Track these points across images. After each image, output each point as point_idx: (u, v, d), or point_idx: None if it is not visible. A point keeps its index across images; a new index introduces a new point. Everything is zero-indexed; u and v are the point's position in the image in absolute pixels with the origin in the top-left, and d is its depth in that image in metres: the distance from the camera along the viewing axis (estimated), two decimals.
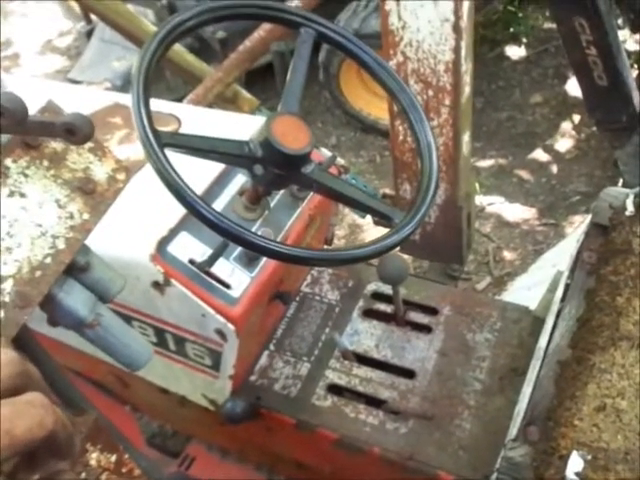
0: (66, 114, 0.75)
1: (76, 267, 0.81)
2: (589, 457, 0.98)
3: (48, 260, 0.74)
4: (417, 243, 2.37)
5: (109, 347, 0.83)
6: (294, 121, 1.13)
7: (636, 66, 3.70)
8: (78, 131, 0.73)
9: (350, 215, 3.46)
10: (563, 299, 1.27)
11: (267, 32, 2.13)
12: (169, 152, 1.01)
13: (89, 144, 0.82)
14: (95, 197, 0.81)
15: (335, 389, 1.50)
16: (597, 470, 0.96)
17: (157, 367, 1.49)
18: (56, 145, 0.80)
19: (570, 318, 1.23)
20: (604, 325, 1.16)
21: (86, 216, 0.79)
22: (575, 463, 0.97)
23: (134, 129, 1.00)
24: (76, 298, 0.80)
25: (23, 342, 0.82)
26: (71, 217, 0.78)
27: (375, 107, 3.85)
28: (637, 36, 3.82)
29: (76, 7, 4.35)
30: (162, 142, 1.00)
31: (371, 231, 3.34)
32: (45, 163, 0.79)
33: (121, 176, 0.85)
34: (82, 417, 0.70)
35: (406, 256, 2.60)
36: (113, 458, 0.72)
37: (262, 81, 3.84)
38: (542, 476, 1.00)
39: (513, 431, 1.11)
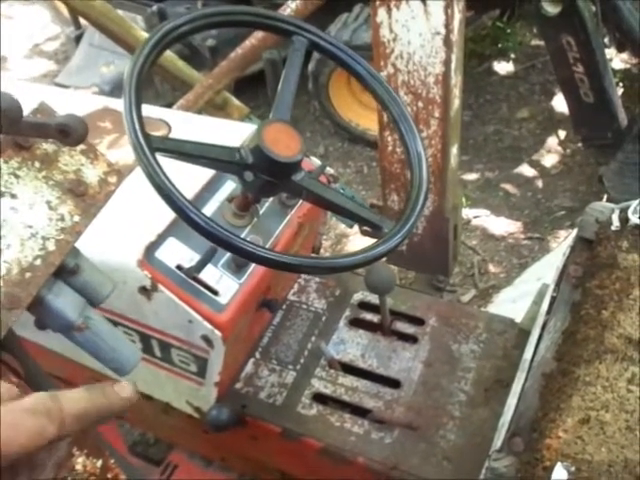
0: (60, 115, 0.75)
1: (66, 270, 0.81)
2: (573, 469, 0.98)
3: (38, 262, 0.74)
4: (403, 253, 2.38)
5: (97, 351, 0.83)
6: (285, 129, 1.13)
7: (622, 84, 3.76)
8: (72, 132, 0.73)
9: (337, 225, 3.46)
10: (549, 312, 1.28)
11: (259, 40, 2.13)
12: (159, 158, 1.01)
13: (81, 146, 0.81)
14: (86, 199, 0.81)
15: (320, 398, 1.50)
16: None
17: (142, 373, 1.47)
18: (48, 146, 0.80)
19: (555, 331, 1.24)
20: (589, 338, 1.17)
21: (77, 218, 0.79)
22: (559, 474, 0.97)
23: (124, 133, 1.00)
24: (65, 301, 0.79)
25: (8, 345, 0.81)
26: (62, 219, 0.77)
27: (364, 118, 3.87)
28: (623, 55, 3.87)
29: (64, 11, 4.33)
30: (153, 146, 1.00)
31: (357, 241, 3.34)
32: (37, 164, 0.78)
33: (112, 179, 0.85)
34: None
35: (392, 266, 2.60)
36: (99, 463, 0.71)
37: (251, 89, 3.84)
38: None
39: (498, 442, 1.11)
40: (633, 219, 1.27)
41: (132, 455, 1.96)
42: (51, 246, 0.75)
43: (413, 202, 1.18)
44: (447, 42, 1.75)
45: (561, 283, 1.31)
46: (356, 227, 2.84)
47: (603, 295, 1.22)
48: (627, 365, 1.10)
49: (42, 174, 0.78)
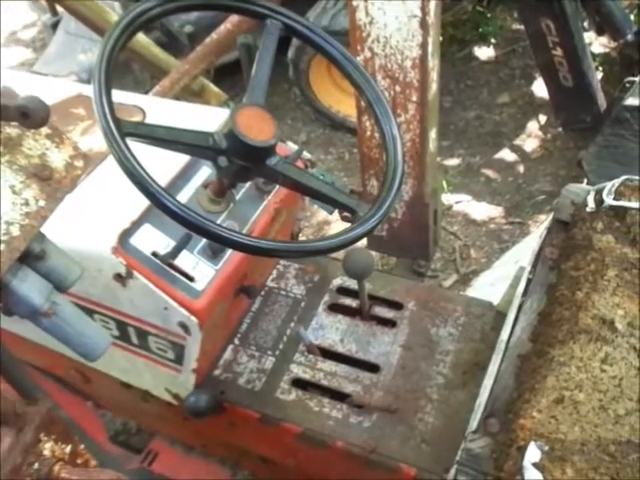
0: (21, 97, 0.73)
1: (31, 255, 0.80)
2: (546, 448, 0.99)
3: (2, 247, 0.73)
4: (384, 239, 2.38)
5: (65, 336, 0.82)
6: (259, 113, 1.12)
7: (601, 68, 3.76)
8: (33, 114, 0.71)
9: (318, 212, 3.45)
10: (525, 294, 1.29)
11: (234, 25, 2.11)
12: (133, 144, 0.99)
13: (46, 130, 0.80)
14: (51, 184, 0.79)
15: (299, 383, 1.50)
16: (554, 461, 0.97)
17: (119, 361, 1.47)
18: (11, 130, 0.78)
19: (531, 312, 1.24)
20: (564, 319, 1.17)
21: (42, 203, 0.78)
22: (533, 454, 0.98)
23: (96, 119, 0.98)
24: (31, 286, 0.78)
25: None
26: (26, 204, 0.76)
27: (344, 104, 3.85)
28: (602, 38, 3.87)
29: None
30: (124, 131, 0.99)
31: (339, 228, 3.33)
32: None
33: (79, 163, 0.84)
34: (35, 406, 0.68)
35: (373, 252, 2.60)
36: (68, 449, 0.70)
37: (230, 78, 3.82)
38: (501, 467, 1.01)
39: (474, 423, 1.12)
40: (608, 201, 1.27)
41: (113, 444, 1.95)
42: (15, 231, 0.74)
43: (389, 185, 1.18)
44: (423, 25, 1.74)
45: (537, 265, 1.32)
46: (337, 214, 2.83)
47: (578, 276, 1.23)
48: (601, 345, 1.11)
49: (5, 158, 0.77)
